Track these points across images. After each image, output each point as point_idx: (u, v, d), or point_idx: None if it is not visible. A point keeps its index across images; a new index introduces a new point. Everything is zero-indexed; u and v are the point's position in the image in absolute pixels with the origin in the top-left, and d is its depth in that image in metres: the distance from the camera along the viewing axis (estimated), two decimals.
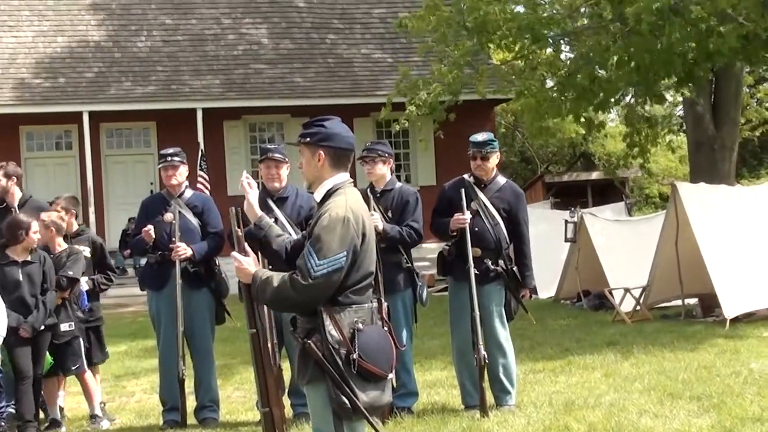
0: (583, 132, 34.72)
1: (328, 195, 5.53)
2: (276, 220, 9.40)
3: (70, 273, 10.05)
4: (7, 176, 10.87)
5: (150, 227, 9.85)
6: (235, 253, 5.64)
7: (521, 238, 9.86)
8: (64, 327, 10.06)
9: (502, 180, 9.96)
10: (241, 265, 5.57)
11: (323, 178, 5.58)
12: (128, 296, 19.18)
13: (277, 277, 5.39)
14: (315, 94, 27.67)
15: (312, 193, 5.81)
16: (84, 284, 10.69)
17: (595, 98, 20.23)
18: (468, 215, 9.53)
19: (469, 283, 9.36)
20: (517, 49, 22.15)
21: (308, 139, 5.59)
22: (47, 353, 9.95)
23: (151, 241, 9.89)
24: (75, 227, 10.98)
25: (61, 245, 10.30)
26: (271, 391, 5.77)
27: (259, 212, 5.85)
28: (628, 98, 25.11)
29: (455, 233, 9.61)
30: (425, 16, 21.94)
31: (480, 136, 9.87)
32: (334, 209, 5.37)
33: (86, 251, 10.84)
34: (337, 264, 5.27)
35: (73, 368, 10.21)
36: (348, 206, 5.40)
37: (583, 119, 22.59)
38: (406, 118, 21.59)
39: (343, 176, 5.61)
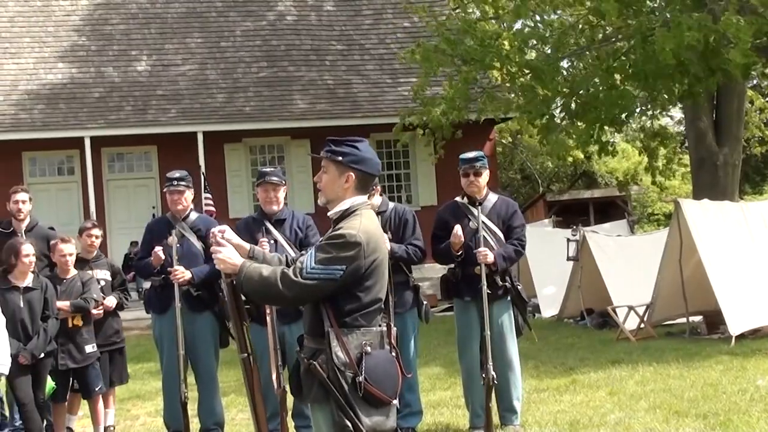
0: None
1: (345, 215, 5.42)
2: (275, 242, 9.43)
3: (95, 296, 10.10)
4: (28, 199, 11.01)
5: (159, 249, 9.78)
6: (214, 246, 5.44)
7: (519, 240, 9.76)
8: (88, 349, 10.08)
9: (494, 197, 9.90)
10: (224, 254, 5.35)
11: (343, 198, 5.47)
12: (132, 320, 19.10)
13: (266, 269, 5.29)
14: (314, 115, 27.63)
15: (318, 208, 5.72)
16: (112, 299, 10.84)
17: (604, 114, 20.30)
18: (458, 228, 9.48)
19: (481, 301, 9.30)
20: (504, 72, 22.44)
21: (340, 158, 5.44)
22: (48, 378, 9.89)
23: (159, 265, 9.85)
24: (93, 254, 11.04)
25: (71, 271, 10.26)
26: (261, 417, 5.67)
27: (239, 260, 5.38)
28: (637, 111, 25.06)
29: (460, 252, 9.55)
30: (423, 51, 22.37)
31: (470, 153, 9.86)
32: (348, 229, 5.28)
33: (107, 275, 10.89)
34: (331, 275, 5.18)
35: (96, 389, 10.20)
36: (362, 228, 5.30)
37: (594, 143, 22.44)
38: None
39: (362, 198, 5.50)
